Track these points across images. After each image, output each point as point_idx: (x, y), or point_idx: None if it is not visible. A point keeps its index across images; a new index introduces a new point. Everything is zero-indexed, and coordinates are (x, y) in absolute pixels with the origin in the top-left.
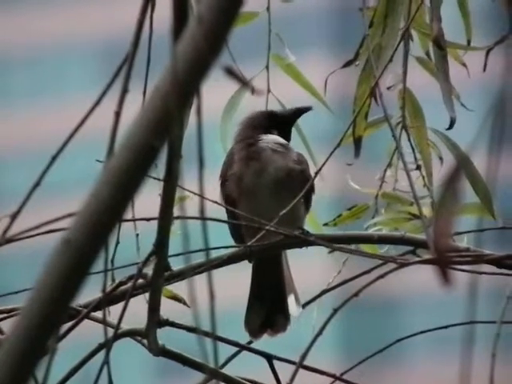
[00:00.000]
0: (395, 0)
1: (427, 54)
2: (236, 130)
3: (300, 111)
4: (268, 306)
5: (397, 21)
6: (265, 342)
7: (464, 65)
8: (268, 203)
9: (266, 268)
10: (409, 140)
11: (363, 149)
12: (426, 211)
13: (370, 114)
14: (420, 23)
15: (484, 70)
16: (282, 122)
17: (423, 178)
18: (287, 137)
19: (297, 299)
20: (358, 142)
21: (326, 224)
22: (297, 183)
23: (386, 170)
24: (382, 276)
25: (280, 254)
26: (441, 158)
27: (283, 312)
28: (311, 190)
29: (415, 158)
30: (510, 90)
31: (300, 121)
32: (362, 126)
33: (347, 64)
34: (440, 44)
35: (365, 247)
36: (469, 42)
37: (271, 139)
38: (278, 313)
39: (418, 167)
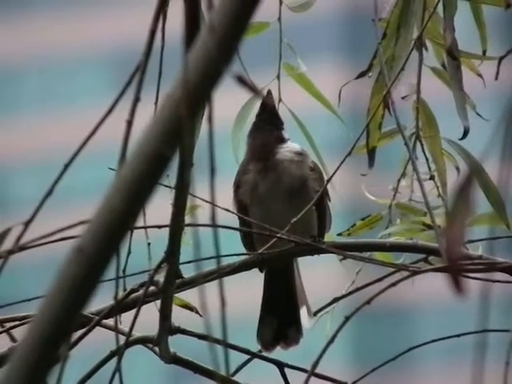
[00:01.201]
0: (408, 11)
1: (443, 64)
2: (248, 142)
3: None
4: (280, 318)
5: (410, 31)
6: (276, 350)
7: (479, 75)
8: (280, 210)
9: (278, 279)
10: (423, 150)
11: (377, 159)
12: (440, 221)
13: (384, 124)
14: (434, 34)
15: (496, 78)
16: (266, 119)
17: (437, 188)
18: (278, 122)
19: (309, 311)
20: (371, 153)
21: (340, 234)
22: (311, 191)
23: (399, 180)
24: (394, 284)
25: (291, 264)
26: (457, 168)
27: (295, 324)
28: (326, 198)
29: (429, 168)
30: None
31: (312, 131)
32: (376, 136)
33: (361, 75)
34: (453, 54)
35: (377, 255)
36: (484, 52)
37: (288, 149)
38: (290, 325)
39: (432, 177)
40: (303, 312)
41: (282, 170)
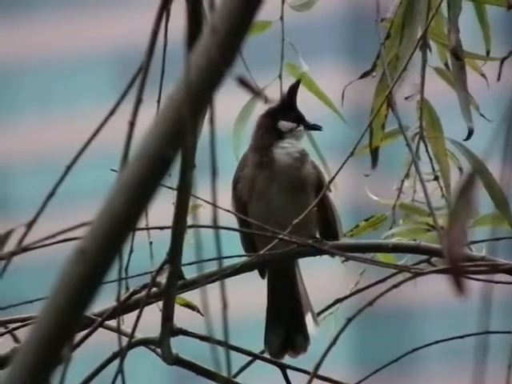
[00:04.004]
0: (412, 11)
1: (446, 64)
2: (252, 133)
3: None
4: (286, 326)
5: (414, 32)
6: None
7: (483, 75)
8: (279, 204)
9: (281, 285)
10: (426, 151)
11: (381, 159)
12: (443, 222)
13: (388, 124)
14: (438, 34)
15: (498, 79)
16: (284, 109)
17: (441, 188)
18: (296, 117)
19: (314, 318)
20: (375, 153)
21: (343, 235)
22: (309, 185)
23: (403, 181)
24: (396, 285)
25: (293, 269)
26: (460, 169)
27: (302, 332)
28: (328, 198)
29: (433, 169)
30: None
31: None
32: (379, 136)
33: (364, 75)
34: (457, 54)
35: (380, 256)
36: (488, 52)
37: (287, 144)
38: (297, 333)
39: (436, 178)
40: (308, 319)
41: (279, 163)
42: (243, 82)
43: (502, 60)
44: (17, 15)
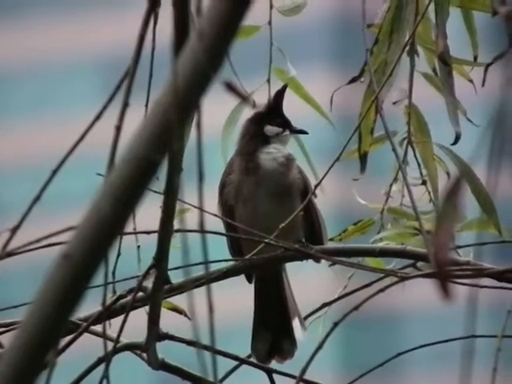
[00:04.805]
0: (400, 16)
1: (434, 70)
2: (238, 138)
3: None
4: (273, 330)
5: (402, 37)
6: None
7: (470, 81)
8: (266, 209)
9: (268, 290)
10: (414, 155)
11: (369, 163)
12: (431, 226)
13: (376, 129)
14: (426, 39)
15: (483, 85)
16: (270, 114)
17: (429, 193)
18: (283, 122)
19: (301, 323)
20: (363, 158)
21: (331, 239)
22: (295, 190)
23: (391, 185)
24: (382, 290)
25: (280, 273)
26: (448, 173)
27: (289, 336)
28: (313, 203)
29: (421, 174)
30: (509, 104)
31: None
32: (368, 141)
33: (353, 80)
34: (445, 60)
35: (368, 261)
36: (475, 58)
37: (273, 149)
38: (284, 338)
39: (424, 182)
40: (296, 323)
41: (264, 168)
42: (231, 87)
43: (487, 66)
44: (9, 19)
